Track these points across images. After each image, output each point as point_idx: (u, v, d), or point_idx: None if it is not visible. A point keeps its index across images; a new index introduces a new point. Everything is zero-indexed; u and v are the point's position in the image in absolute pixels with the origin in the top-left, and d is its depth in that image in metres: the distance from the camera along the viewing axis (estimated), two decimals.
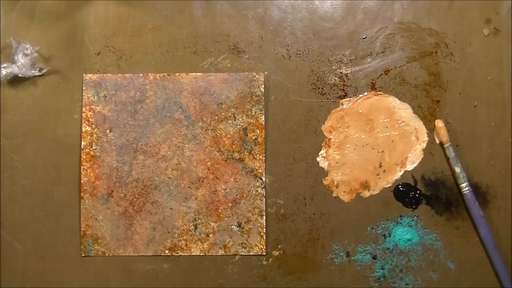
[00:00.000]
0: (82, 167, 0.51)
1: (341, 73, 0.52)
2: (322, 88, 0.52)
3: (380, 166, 0.51)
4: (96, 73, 0.52)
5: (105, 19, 0.53)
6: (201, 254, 0.51)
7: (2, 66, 0.51)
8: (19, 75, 0.51)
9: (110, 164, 0.51)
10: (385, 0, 0.52)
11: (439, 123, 0.50)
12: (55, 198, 0.51)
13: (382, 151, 0.51)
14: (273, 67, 0.52)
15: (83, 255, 0.51)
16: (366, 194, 0.51)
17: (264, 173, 0.51)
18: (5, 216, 0.51)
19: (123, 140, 0.51)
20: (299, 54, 0.52)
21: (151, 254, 0.51)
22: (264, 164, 0.51)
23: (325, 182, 0.51)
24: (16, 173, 0.51)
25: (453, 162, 0.50)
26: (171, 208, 0.51)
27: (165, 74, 0.52)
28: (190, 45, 0.52)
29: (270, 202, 0.51)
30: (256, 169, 0.51)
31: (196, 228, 0.51)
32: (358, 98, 0.52)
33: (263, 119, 0.51)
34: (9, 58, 0.51)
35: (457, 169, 0.50)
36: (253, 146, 0.51)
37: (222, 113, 0.51)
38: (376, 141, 0.51)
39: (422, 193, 0.51)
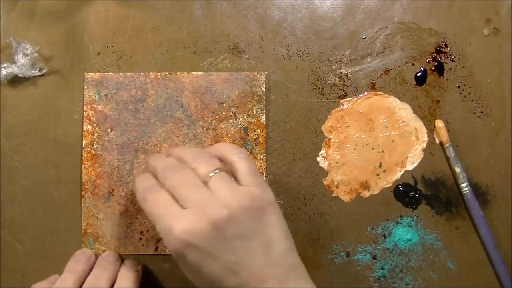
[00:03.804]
0: (83, 166, 0.51)
1: (341, 73, 0.52)
2: (322, 88, 0.52)
3: (380, 166, 0.51)
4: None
5: (105, 19, 0.53)
6: None
7: (2, 66, 0.51)
8: (19, 75, 0.51)
9: (111, 163, 0.51)
10: (385, 0, 0.52)
11: (439, 123, 0.50)
12: (55, 198, 0.51)
13: (382, 151, 0.51)
14: (273, 67, 0.52)
15: None
16: (366, 194, 0.51)
17: (264, 173, 0.51)
18: (5, 216, 0.51)
19: (124, 139, 0.51)
20: (299, 54, 0.52)
21: (152, 254, 0.51)
22: (265, 164, 0.51)
23: (325, 182, 0.51)
24: (16, 173, 0.51)
25: (453, 162, 0.50)
26: None
27: (166, 73, 0.52)
28: (190, 45, 0.52)
29: None
30: None
31: None
32: (358, 98, 0.52)
33: (264, 118, 0.51)
34: (9, 58, 0.51)
35: (457, 169, 0.50)
36: (254, 145, 0.51)
37: (223, 113, 0.51)
38: (376, 141, 0.51)
39: (422, 193, 0.51)
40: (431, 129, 0.51)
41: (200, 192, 0.40)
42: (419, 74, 0.51)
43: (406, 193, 0.51)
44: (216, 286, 0.39)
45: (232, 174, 0.43)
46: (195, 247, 0.38)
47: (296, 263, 0.42)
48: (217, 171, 0.41)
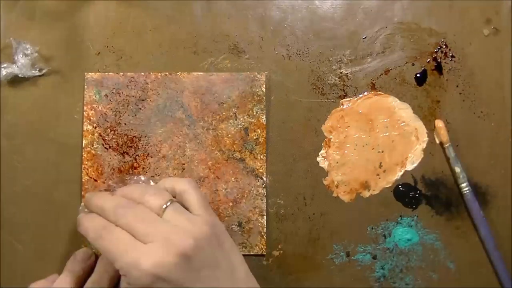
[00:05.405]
0: (83, 166, 0.51)
1: (341, 73, 0.52)
2: (322, 88, 0.52)
3: (380, 166, 0.51)
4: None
5: (105, 19, 0.53)
6: None
7: (2, 66, 0.51)
8: (19, 75, 0.51)
9: (111, 163, 0.51)
10: (385, 0, 0.52)
11: (439, 123, 0.50)
12: (55, 198, 0.51)
13: (382, 151, 0.51)
14: (273, 67, 0.52)
15: None
16: (366, 194, 0.51)
17: (265, 173, 0.51)
18: (5, 216, 0.51)
19: (124, 139, 0.51)
20: (299, 54, 0.52)
21: None
22: (265, 164, 0.51)
23: (325, 182, 0.51)
24: (16, 173, 0.51)
25: (453, 162, 0.50)
26: None
27: (167, 73, 0.52)
28: (190, 45, 0.52)
29: (270, 202, 0.51)
30: (257, 169, 0.51)
31: None
32: (358, 98, 0.52)
33: (264, 119, 0.51)
34: (9, 58, 0.51)
35: (457, 169, 0.50)
36: (254, 146, 0.51)
37: (224, 113, 0.51)
38: (376, 141, 0.51)
39: (422, 193, 0.51)
40: (431, 129, 0.51)
41: (160, 225, 0.40)
42: (419, 74, 0.52)
43: (406, 193, 0.51)
44: None
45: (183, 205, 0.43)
46: (165, 280, 0.37)
47: (255, 283, 0.43)
48: (169, 202, 0.41)
